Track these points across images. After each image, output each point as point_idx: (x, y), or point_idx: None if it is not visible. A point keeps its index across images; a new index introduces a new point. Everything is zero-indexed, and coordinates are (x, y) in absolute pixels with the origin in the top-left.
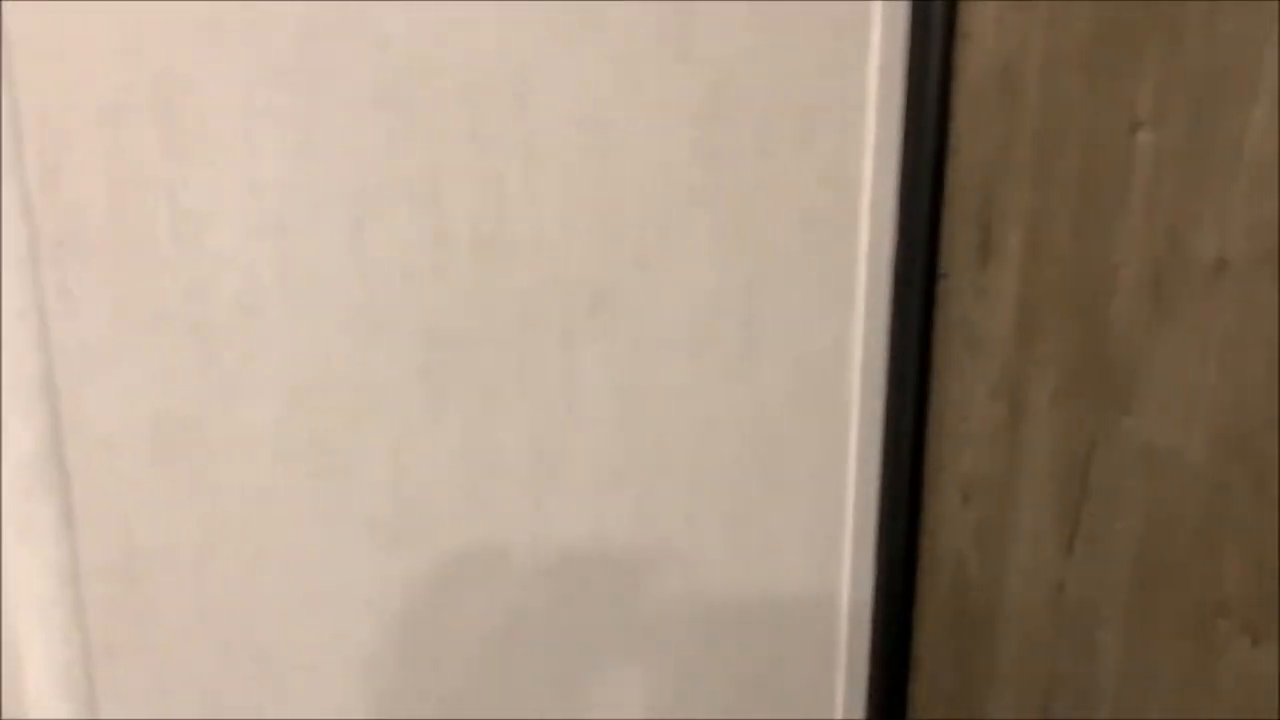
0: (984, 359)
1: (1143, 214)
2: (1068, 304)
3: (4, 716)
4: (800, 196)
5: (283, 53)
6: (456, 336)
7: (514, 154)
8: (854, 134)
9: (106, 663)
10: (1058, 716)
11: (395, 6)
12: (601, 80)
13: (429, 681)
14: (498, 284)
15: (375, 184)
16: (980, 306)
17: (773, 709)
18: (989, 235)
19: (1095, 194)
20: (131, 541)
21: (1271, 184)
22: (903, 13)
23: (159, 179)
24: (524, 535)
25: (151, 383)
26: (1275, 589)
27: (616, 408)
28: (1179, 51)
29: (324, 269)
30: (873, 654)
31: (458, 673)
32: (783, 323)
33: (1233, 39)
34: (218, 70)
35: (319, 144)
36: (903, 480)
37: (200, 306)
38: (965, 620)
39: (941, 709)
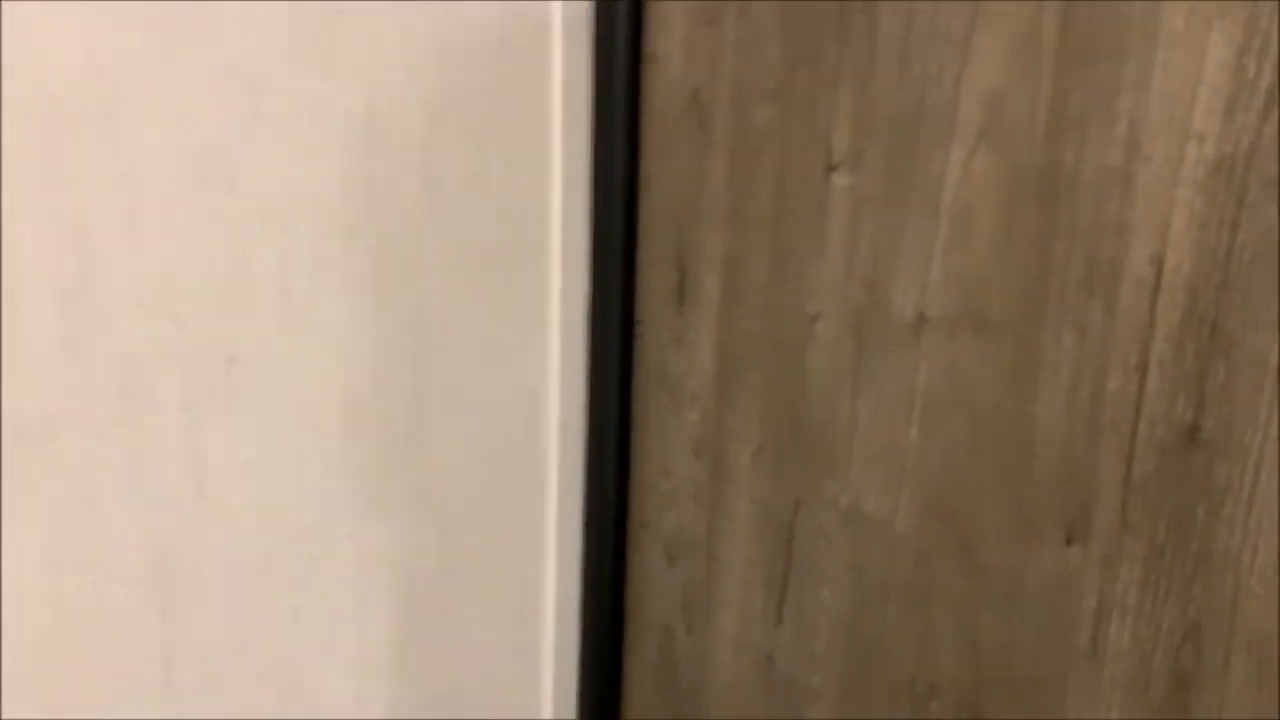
0: (685, 411)
1: (841, 262)
2: (767, 355)
3: None
4: (476, 233)
5: None
6: (41, 421)
7: (103, 190)
8: (537, 163)
9: None
10: None
11: None
12: (217, 98)
13: None
14: (93, 351)
15: None
16: (679, 355)
17: None
18: (685, 278)
19: (791, 238)
20: None
21: (972, 233)
22: (585, 26)
23: None
24: (152, 660)
25: None
26: (987, 669)
27: (252, 492)
28: (873, 87)
29: None
30: None
31: None
32: (461, 377)
33: (925, 77)
34: None
35: None
36: (607, 537)
37: None
38: (673, 694)
39: None
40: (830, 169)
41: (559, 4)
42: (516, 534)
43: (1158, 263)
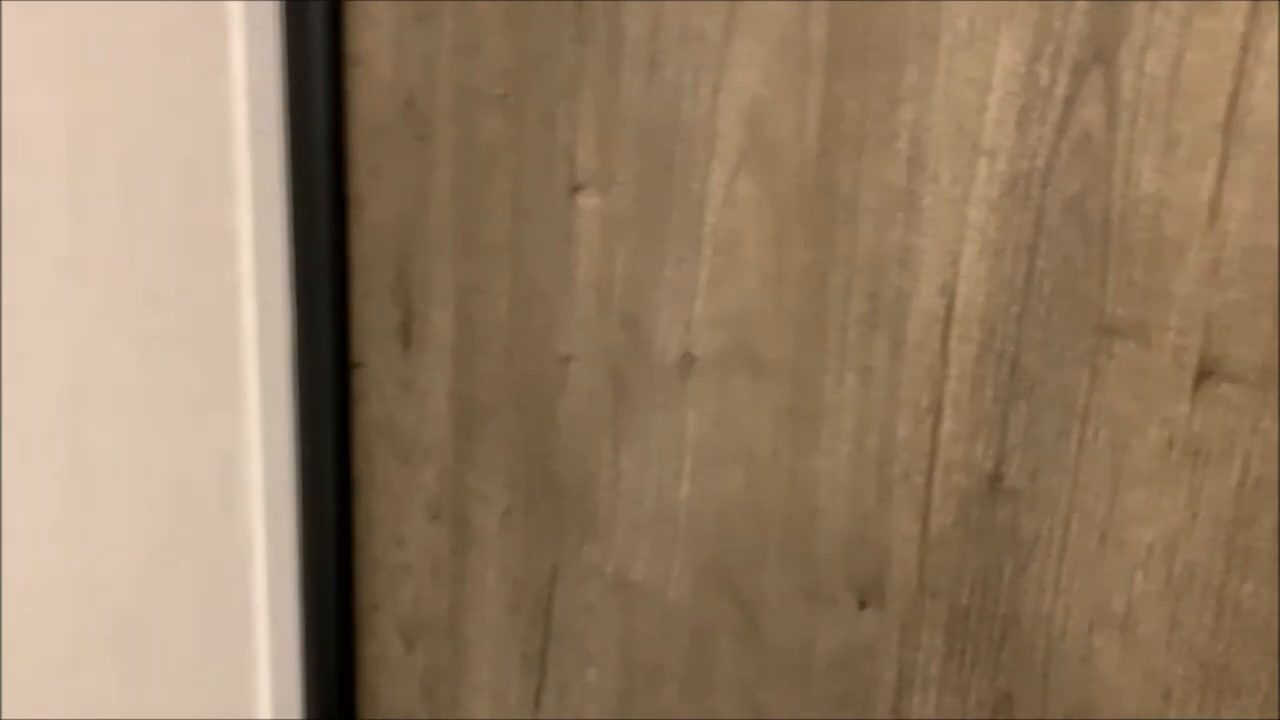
0: (417, 470)
1: (594, 296)
2: (513, 402)
3: None
4: (138, 271)
5: None
6: None
7: None
8: (216, 185)
9: None
10: None
11: None
12: None
13: None
14: None
15: None
16: (407, 404)
17: None
18: (410, 314)
19: (534, 268)
20: None
21: (739, 263)
22: (274, 24)
23: None
24: None
25: None
26: None
27: None
28: (620, 95)
29: None
30: None
31: None
32: (129, 449)
33: (678, 85)
34: None
35: None
36: (329, 627)
37: None
38: None
39: None
40: (575, 189)
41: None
42: (217, 633)
43: (949, 294)
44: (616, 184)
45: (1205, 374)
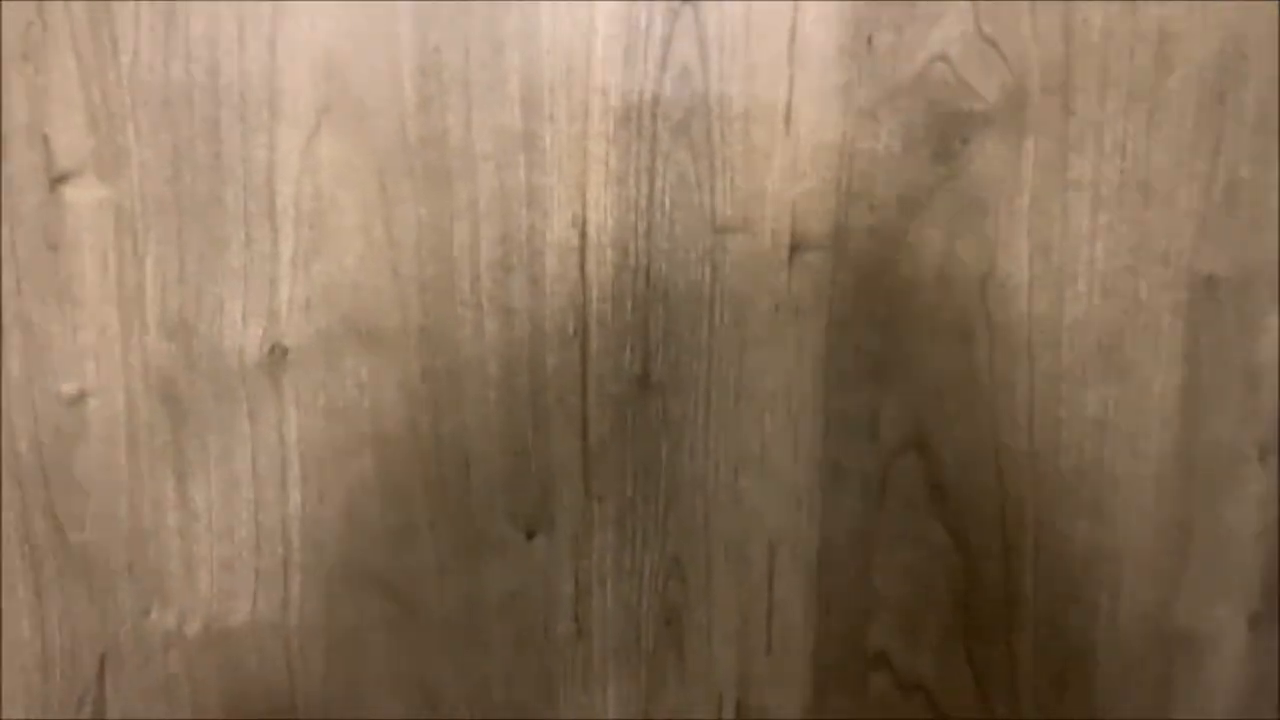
0: None
1: (113, 310)
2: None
3: None
4: None
5: None
6: None
7: None
8: None
9: None
10: None
11: None
12: None
13: None
14: None
15: None
16: None
17: None
18: None
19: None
20: None
21: (334, 234)
22: None
23: None
24: None
25: None
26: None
27: None
28: (124, 60)
29: None
30: None
31: None
32: None
33: (212, 42)
34: None
35: None
36: None
37: None
38: None
39: None
40: (58, 180)
41: None
42: None
43: (580, 224)
44: (130, 167)
45: (795, 248)
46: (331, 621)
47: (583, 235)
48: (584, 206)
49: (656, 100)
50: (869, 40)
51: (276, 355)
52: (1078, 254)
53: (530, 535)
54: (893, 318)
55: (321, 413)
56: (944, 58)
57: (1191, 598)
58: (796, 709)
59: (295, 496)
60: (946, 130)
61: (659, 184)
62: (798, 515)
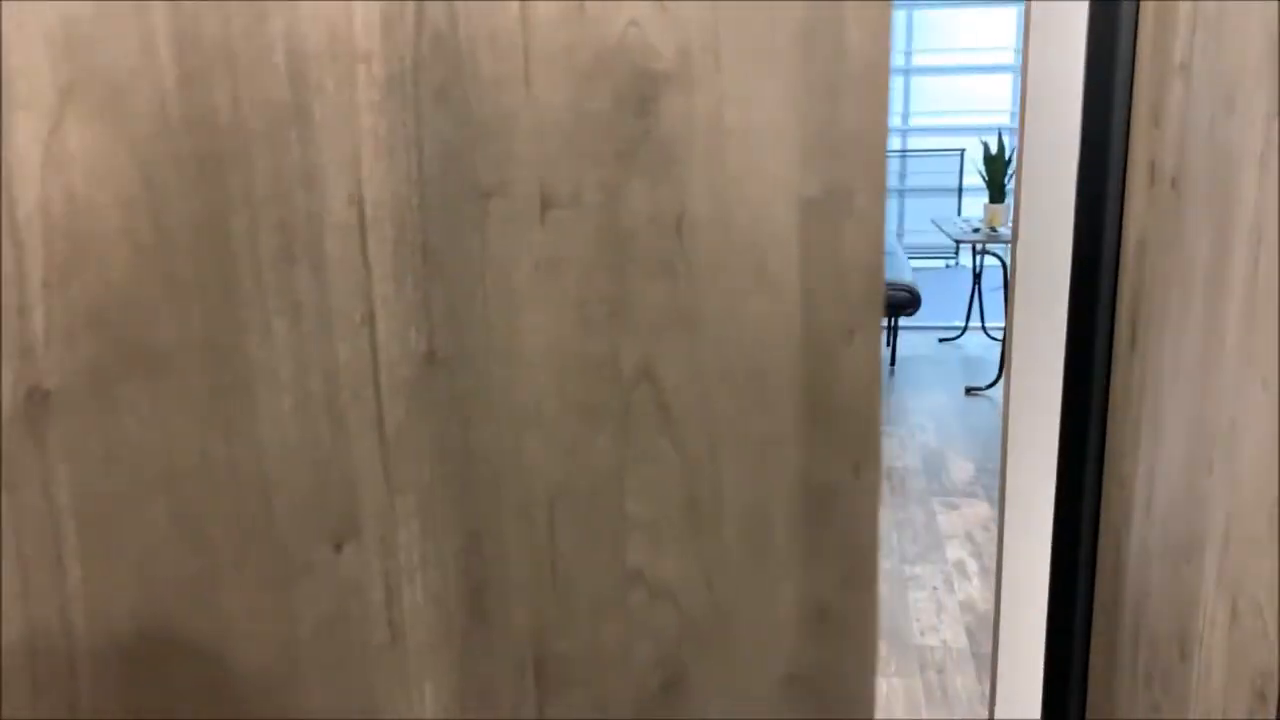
0: None
1: None
2: None
3: None
4: None
5: None
6: None
7: None
8: None
9: None
10: None
11: None
12: None
13: None
14: None
15: None
16: None
17: None
18: None
19: None
20: None
21: (91, 243)
22: None
23: None
24: None
25: None
26: None
27: None
28: None
29: None
30: None
31: None
32: None
33: None
34: None
35: None
36: None
37: None
38: None
39: None
40: None
41: None
42: None
43: (358, 202)
44: None
45: (545, 207)
46: (132, 706)
47: (361, 214)
48: (359, 183)
49: (417, 66)
50: (581, 6)
51: (36, 401)
52: (729, 193)
53: (339, 547)
54: (620, 264)
55: (99, 462)
56: (635, 23)
57: (823, 457)
58: (584, 648)
59: (75, 572)
60: (643, 88)
61: (426, 152)
62: (569, 463)
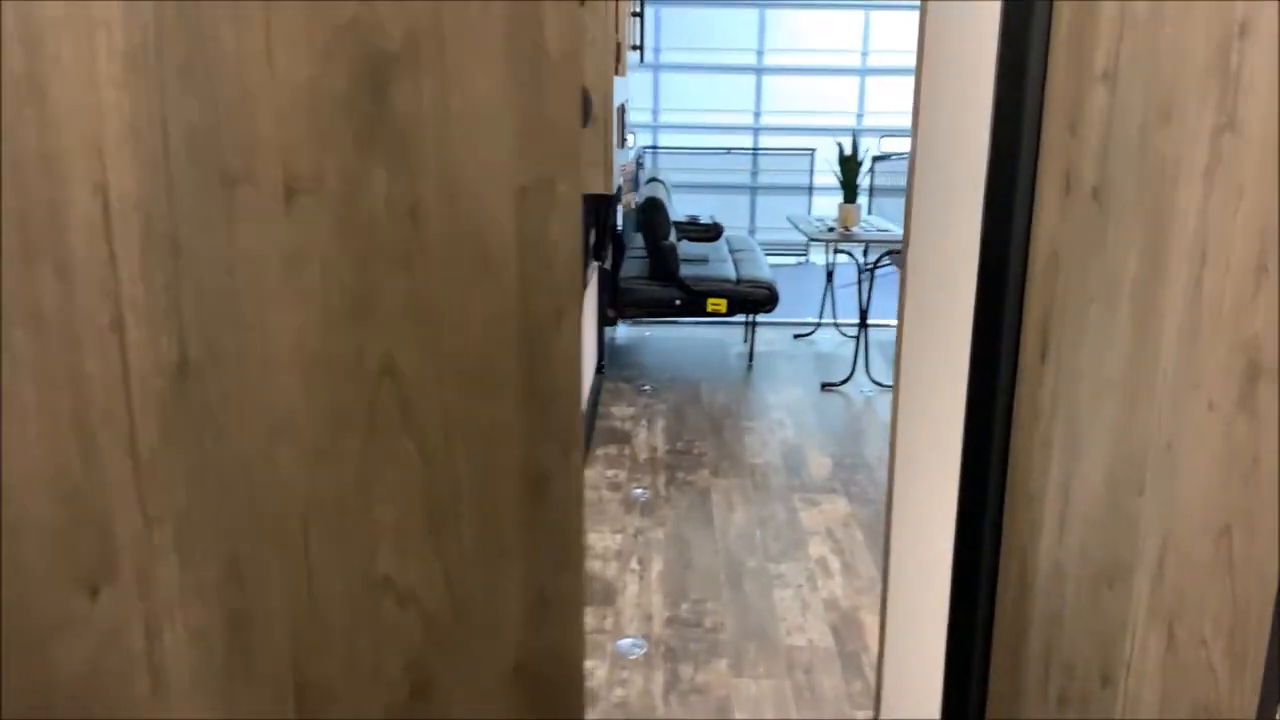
0: None
1: None
2: None
3: None
4: None
5: None
6: None
7: None
8: None
9: None
10: None
11: None
12: None
13: None
14: None
15: None
16: None
17: None
18: None
19: None
20: None
21: None
22: None
23: None
24: None
25: None
26: None
27: None
28: None
29: None
30: None
31: None
32: None
33: None
34: None
35: None
36: None
37: None
38: None
39: None
40: None
41: None
42: None
43: (103, 191)
44: None
45: (290, 194)
46: None
47: (105, 204)
48: (104, 168)
49: (161, 38)
50: None
51: None
52: (457, 181)
53: (95, 592)
54: (364, 254)
55: None
56: (367, 1)
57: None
58: (339, 666)
59: None
60: (378, 69)
61: (172, 133)
62: (320, 472)
